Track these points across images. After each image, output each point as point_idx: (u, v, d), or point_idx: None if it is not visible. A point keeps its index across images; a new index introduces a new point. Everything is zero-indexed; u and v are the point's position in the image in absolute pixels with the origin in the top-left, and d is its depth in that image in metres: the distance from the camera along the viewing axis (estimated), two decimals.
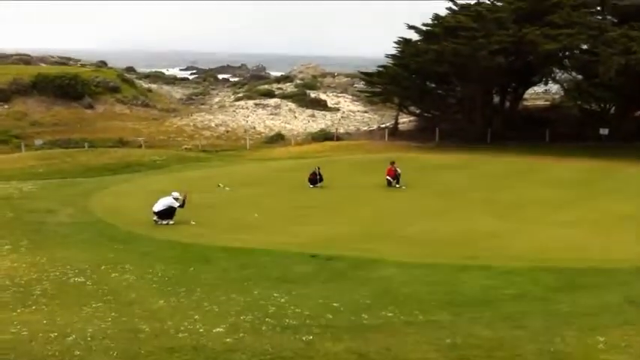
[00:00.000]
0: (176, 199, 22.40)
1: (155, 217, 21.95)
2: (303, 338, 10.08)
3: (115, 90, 70.20)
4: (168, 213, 21.98)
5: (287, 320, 11.44)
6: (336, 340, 9.96)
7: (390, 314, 12.02)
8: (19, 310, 12.20)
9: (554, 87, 54.55)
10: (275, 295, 13.31)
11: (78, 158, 41.08)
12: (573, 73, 48.76)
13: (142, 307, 12.46)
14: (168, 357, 9.24)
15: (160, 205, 22.06)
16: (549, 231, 20.43)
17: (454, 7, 49.79)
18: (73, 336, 10.11)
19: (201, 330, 10.59)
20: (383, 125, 59.86)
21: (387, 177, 30.19)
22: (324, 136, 55.36)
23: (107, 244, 18.95)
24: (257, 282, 14.58)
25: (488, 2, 49.77)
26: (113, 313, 11.86)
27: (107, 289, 13.87)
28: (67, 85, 64.67)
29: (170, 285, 14.17)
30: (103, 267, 15.85)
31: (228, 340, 9.99)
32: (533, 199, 26.39)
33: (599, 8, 46.99)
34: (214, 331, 10.55)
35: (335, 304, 12.61)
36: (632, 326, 10.71)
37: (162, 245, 18.77)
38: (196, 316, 11.56)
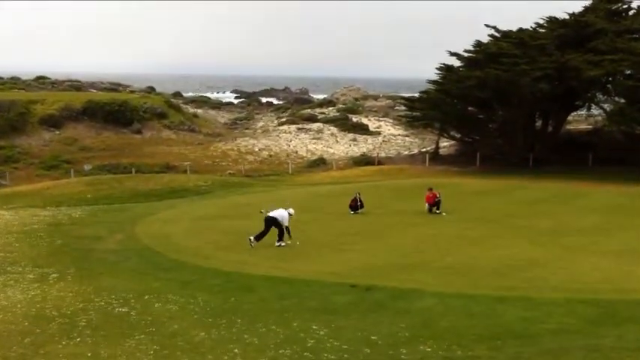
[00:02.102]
0: (290, 214, 23.33)
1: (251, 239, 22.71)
2: None
3: (162, 116, 71.80)
4: (277, 224, 22.90)
5: (325, 354, 11.52)
6: None
7: (428, 349, 12.03)
8: (64, 343, 12.53)
9: (597, 110, 53.94)
10: (314, 327, 13.43)
11: (125, 184, 41.89)
12: (616, 98, 48.24)
13: (184, 339, 12.68)
14: None
15: (276, 213, 23.16)
16: (591, 260, 20.12)
17: (496, 34, 49.84)
18: None
19: None
20: (424, 149, 59.81)
21: (427, 203, 30.21)
22: (365, 160, 55.58)
23: (152, 272, 19.31)
24: (296, 313, 14.73)
25: (531, 29, 49.75)
26: (155, 346, 12.10)
27: (150, 319, 14.16)
28: (117, 111, 66.59)
29: (211, 316, 14.43)
30: (147, 296, 16.17)
31: None
32: (575, 227, 26.05)
33: None
34: None
35: (373, 337, 12.69)
36: None
37: (205, 273, 19.06)
38: (236, 350, 11.73)
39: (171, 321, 14.11)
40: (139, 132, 66.59)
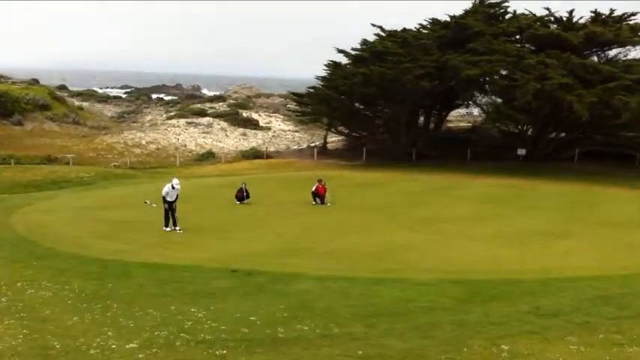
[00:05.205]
0: (174, 187, 23.29)
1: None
2: (217, 352, 10.10)
3: (45, 107, 69.14)
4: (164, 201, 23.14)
5: (202, 335, 11.45)
6: (250, 354, 10.02)
7: (305, 327, 12.16)
8: None
9: (476, 109, 56.43)
10: (192, 310, 13.34)
11: (2, 174, 40.29)
12: (493, 97, 50.59)
13: (55, 323, 12.30)
14: None
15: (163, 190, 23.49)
16: (463, 245, 21.16)
17: (382, 34, 51.15)
18: None
19: (113, 346, 10.51)
20: (312, 144, 60.52)
21: (315, 194, 30.43)
22: (254, 154, 55.63)
23: (26, 260, 18.57)
24: (175, 297, 14.57)
25: (414, 30, 51.41)
26: (25, 330, 11.69)
27: (21, 305, 13.66)
28: None
29: (86, 301, 14.06)
30: (19, 284, 15.58)
31: (140, 355, 9.92)
32: (451, 215, 27.28)
33: (517, 37, 49.24)
34: (127, 347, 10.48)
35: (252, 318, 12.74)
36: (536, 335, 11.21)
37: (82, 261, 18.55)
38: (110, 332, 11.48)
39: (43, 307, 13.64)
40: (19, 123, 63.86)
